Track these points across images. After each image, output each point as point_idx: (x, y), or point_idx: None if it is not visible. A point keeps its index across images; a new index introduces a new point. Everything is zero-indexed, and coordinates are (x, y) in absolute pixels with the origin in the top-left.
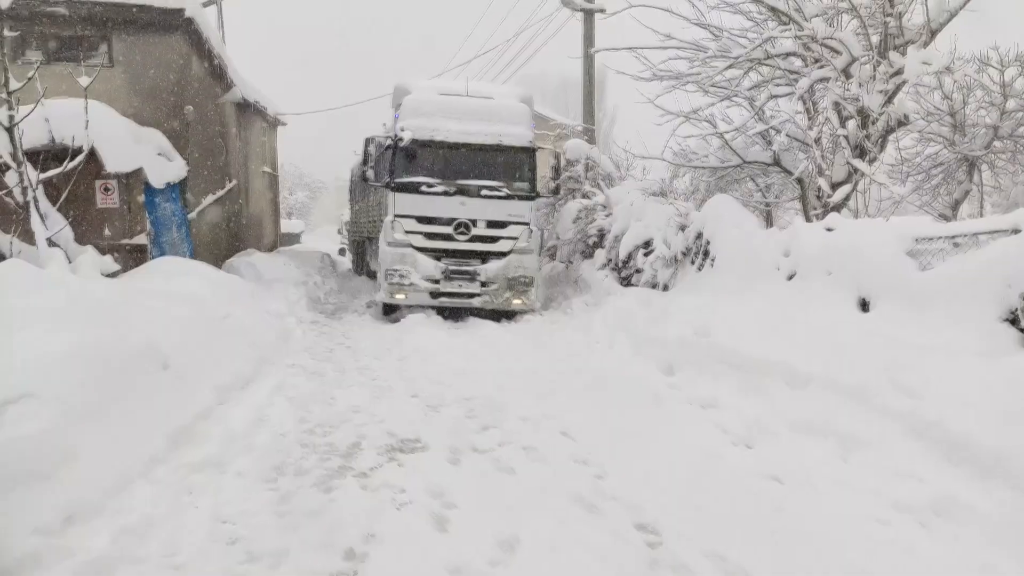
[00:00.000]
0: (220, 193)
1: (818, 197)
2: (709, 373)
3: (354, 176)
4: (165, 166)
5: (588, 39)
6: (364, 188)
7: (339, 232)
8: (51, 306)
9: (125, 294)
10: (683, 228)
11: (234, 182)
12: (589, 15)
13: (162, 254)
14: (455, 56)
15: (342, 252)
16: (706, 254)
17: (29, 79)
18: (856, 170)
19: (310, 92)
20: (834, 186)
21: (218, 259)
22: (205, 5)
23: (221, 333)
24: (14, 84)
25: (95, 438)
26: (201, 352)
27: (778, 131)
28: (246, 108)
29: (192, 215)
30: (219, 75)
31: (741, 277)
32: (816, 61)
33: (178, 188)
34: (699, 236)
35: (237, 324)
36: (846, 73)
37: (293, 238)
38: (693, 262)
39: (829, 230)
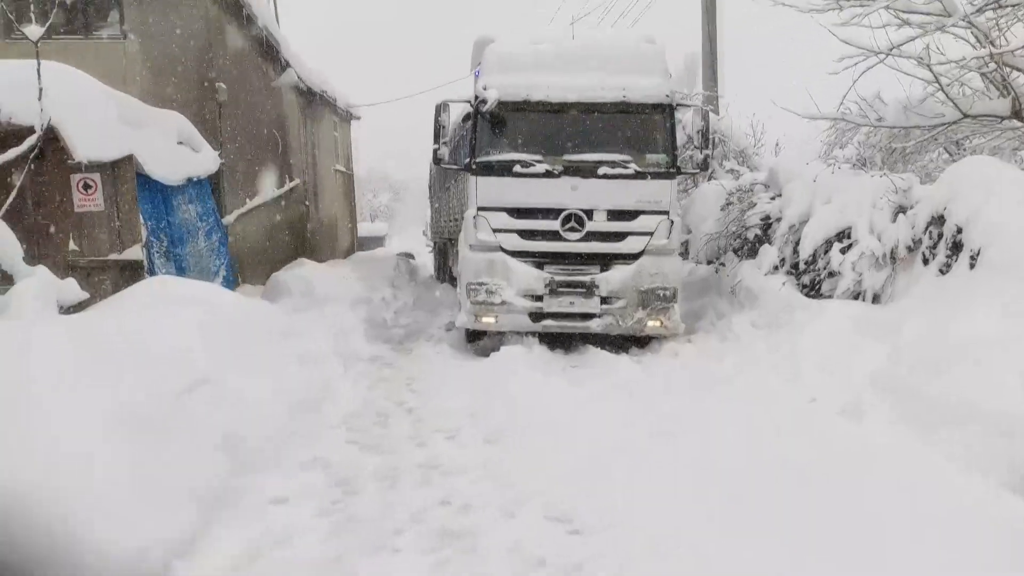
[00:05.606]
0: (278, 192)
1: None
2: None
3: (432, 170)
4: (184, 157)
5: None
6: (444, 182)
7: (424, 234)
8: None
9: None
10: (902, 210)
11: (296, 181)
12: None
13: (180, 271)
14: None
15: (411, 256)
16: (956, 247)
17: None
18: None
19: (387, 87)
20: None
21: (271, 271)
22: None
23: (170, 426)
24: None
25: None
26: (102, 496)
27: None
28: (312, 99)
29: (229, 219)
30: (270, 54)
31: None
32: None
33: (207, 186)
34: (936, 220)
35: (217, 396)
36: None
37: (375, 242)
38: (927, 260)
39: None
